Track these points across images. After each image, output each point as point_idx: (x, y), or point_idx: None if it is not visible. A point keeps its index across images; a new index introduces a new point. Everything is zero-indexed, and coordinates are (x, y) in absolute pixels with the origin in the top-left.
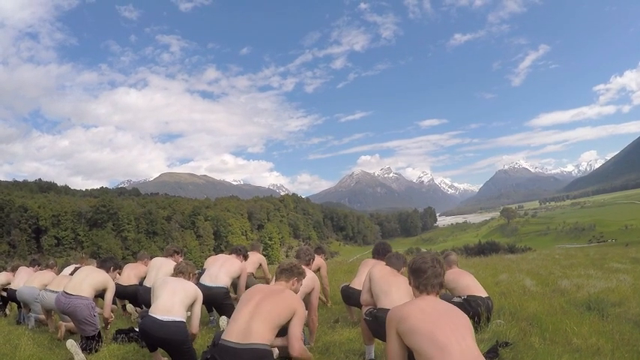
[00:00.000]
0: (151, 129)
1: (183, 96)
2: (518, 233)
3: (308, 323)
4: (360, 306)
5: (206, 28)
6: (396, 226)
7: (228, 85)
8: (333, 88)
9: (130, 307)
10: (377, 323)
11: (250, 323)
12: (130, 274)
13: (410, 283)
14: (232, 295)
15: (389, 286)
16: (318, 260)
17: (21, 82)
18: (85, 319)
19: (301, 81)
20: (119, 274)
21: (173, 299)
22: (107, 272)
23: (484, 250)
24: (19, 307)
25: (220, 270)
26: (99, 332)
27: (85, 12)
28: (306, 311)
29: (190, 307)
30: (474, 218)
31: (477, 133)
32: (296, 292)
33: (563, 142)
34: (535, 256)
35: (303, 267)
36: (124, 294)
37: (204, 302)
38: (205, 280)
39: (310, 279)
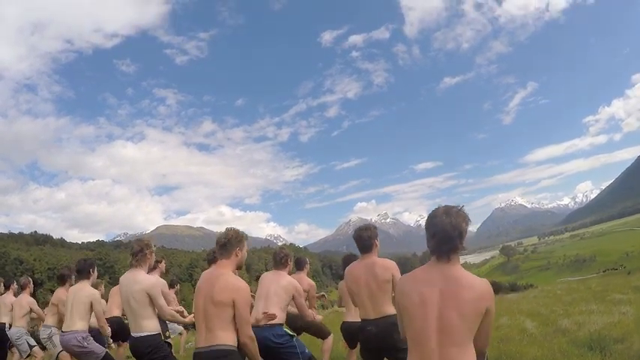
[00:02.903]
0: (148, 182)
1: (180, 149)
2: (519, 270)
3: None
4: None
5: (201, 81)
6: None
7: (224, 137)
8: (328, 137)
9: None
10: None
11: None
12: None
13: None
14: None
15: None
16: (304, 279)
17: (19, 135)
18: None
19: (296, 130)
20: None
21: None
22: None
23: None
24: None
25: None
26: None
27: (82, 65)
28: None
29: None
30: (473, 258)
31: (471, 174)
32: (241, 262)
33: (558, 176)
34: (536, 293)
35: (281, 271)
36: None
37: None
38: None
39: (290, 283)
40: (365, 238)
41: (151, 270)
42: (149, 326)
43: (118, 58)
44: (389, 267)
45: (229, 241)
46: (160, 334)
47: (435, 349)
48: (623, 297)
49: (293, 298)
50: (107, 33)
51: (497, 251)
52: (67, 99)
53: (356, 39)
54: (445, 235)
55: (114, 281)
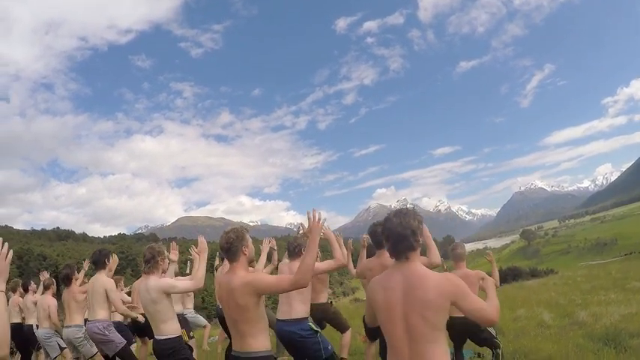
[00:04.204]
0: (168, 174)
1: (199, 141)
2: (539, 255)
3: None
4: None
5: (217, 72)
6: None
7: (242, 127)
8: (346, 124)
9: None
10: None
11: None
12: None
13: None
14: None
15: None
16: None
17: (38, 134)
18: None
19: (314, 118)
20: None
21: None
22: None
23: (506, 277)
24: None
25: None
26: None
27: (97, 62)
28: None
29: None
30: (493, 243)
31: (490, 158)
32: (250, 258)
33: (578, 158)
34: (556, 280)
35: (296, 261)
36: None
37: None
38: None
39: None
40: (379, 233)
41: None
42: (169, 329)
43: (133, 54)
44: None
45: (233, 244)
46: (180, 336)
47: (405, 349)
48: None
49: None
50: (121, 29)
51: (518, 235)
52: (84, 96)
53: (370, 25)
54: (398, 235)
55: (136, 273)
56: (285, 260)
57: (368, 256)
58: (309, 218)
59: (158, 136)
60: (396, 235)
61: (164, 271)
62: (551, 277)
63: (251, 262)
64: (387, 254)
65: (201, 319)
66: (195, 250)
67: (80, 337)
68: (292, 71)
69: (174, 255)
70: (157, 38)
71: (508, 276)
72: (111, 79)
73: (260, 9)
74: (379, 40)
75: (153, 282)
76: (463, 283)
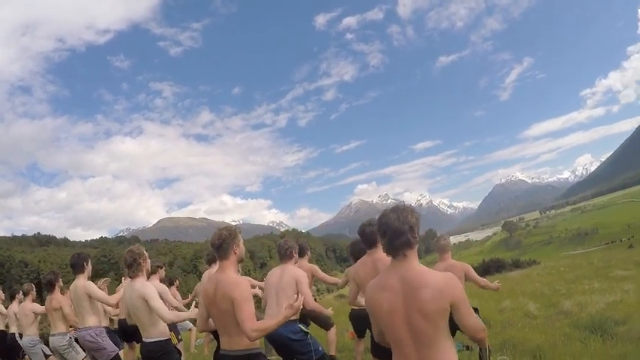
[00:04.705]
0: (148, 175)
1: (179, 141)
2: (521, 246)
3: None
4: None
5: (197, 71)
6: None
7: (222, 126)
8: (326, 120)
9: None
10: None
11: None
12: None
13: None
14: None
15: None
16: (304, 265)
17: (17, 137)
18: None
19: (294, 116)
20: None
21: None
22: None
23: (489, 268)
24: None
25: None
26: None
27: (75, 63)
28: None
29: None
30: (475, 235)
31: (471, 151)
32: (241, 257)
33: (557, 150)
34: (540, 270)
35: (286, 264)
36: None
37: None
38: None
39: (291, 275)
40: (368, 233)
41: (150, 275)
42: (158, 332)
43: (112, 54)
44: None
45: (224, 242)
46: (169, 339)
47: (412, 352)
48: (625, 273)
49: (298, 286)
50: (99, 29)
51: (499, 227)
52: (63, 98)
53: (350, 21)
54: (395, 230)
55: (119, 277)
56: (274, 269)
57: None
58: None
59: (138, 137)
60: (393, 230)
61: (148, 271)
62: (534, 267)
63: (240, 261)
64: (379, 252)
65: (187, 322)
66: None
67: (65, 345)
68: (272, 68)
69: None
70: (136, 38)
71: (491, 268)
72: (89, 80)
73: (239, 6)
74: (359, 36)
75: (139, 285)
76: (461, 288)
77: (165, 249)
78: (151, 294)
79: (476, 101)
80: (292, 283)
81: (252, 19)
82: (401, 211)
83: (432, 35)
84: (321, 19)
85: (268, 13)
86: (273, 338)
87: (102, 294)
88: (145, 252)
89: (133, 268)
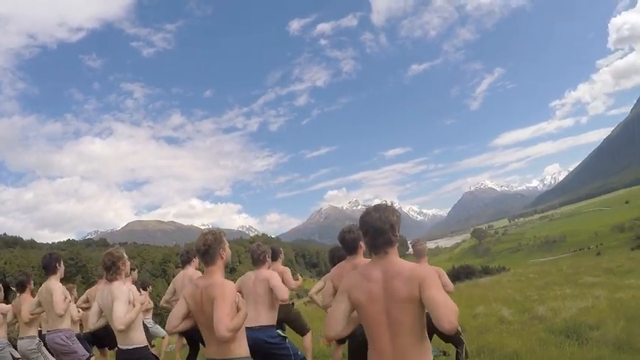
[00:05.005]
0: (117, 177)
1: (149, 143)
2: (490, 253)
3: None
4: None
5: (169, 73)
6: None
7: (193, 129)
8: (297, 126)
9: None
10: None
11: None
12: None
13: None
14: None
15: None
16: (277, 268)
17: None
18: None
19: (265, 120)
20: None
21: None
22: None
23: (459, 275)
24: None
25: None
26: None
27: (46, 60)
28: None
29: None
30: (445, 242)
31: (441, 159)
32: (227, 261)
33: (526, 159)
34: (510, 277)
35: (260, 269)
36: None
37: None
38: None
39: (265, 279)
40: (349, 240)
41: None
42: (136, 338)
43: (84, 53)
44: None
45: (210, 247)
46: (147, 346)
47: (388, 344)
48: (595, 280)
49: (270, 282)
50: (72, 27)
51: (469, 234)
52: (32, 96)
53: (324, 27)
54: (376, 229)
55: (86, 280)
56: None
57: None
58: None
59: (108, 138)
60: (374, 229)
61: (127, 275)
62: (504, 274)
63: (227, 266)
64: (359, 258)
65: (161, 330)
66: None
67: (34, 349)
68: (245, 72)
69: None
70: (109, 37)
71: (461, 274)
72: (60, 78)
73: (214, 9)
74: (332, 42)
75: (115, 288)
76: (434, 274)
77: (134, 252)
78: (118, 295)
79: (447, 110)
80: (266, 286)
81: (226, 22)
82: (383, 210)
83: (405, 43)
84: (295, 25)
85: (243, 17)
86: (250, 343)
87: (58, 300)
88: (124, 255)
89: (111, 271)
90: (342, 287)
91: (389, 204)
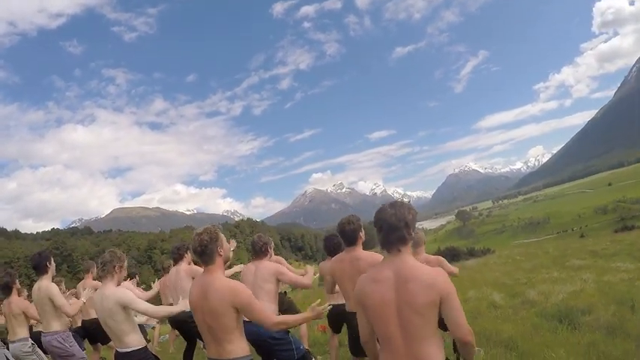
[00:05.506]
0: (100, 164)
1: (132, 129)
2: (475, 234)
3: None
4: None
5: (151, 58)
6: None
7: (176, 114)
8: (281, 109)
9: None
10: None
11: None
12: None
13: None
14: None
15: None
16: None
17: None
18: None
19: (249, 104)
20: None
21: None
22: None
23: (445, 257)
24: None
25: None
26: None
27: (26, 48)
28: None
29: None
30: (429, 224)
31: (425, 141)
32: (227, 258)
33: (510, 141)
34: (496, 259)
35: (261, 260)
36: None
37: None
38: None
39: (269, 271)
40: (349, 231)
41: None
42: (133, 341)
43: (64, 39)
44: (372, 263)
45: (207, 247)
46: (145, 347)
47: (401, 346)
48: (582, 262)
49: (279, 280)
50: (51, 13)
51: (453, 216)
52: (13, 84)
53: (307, 9)
54: (391, 226)
55: (72, 269)
56: (249, 266)
57: (329, 255)
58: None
59: (90, 125)
60: (388, 225)
61: (119, 283)
62: (490, 256)
63: (226, 262)
64: (358, 250)
65: (151, 320)
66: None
67: (29, 352)
68: (228, 56)
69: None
70: (89, 22)
71: (447, 256)
72: (41, 66)
73: None
74: (316, 25)
75: (110, 292)
76: (452, 287)
77: (119, 240)
78: (131, 298)
79: (431, 92)
80: (270, 279)
81: (209, 5)
82: (398, 207)
83: (389, 26)
84: (278, 7)
85: (226, 0)
86: (253, 338)
87: (63, 301)
88: (125, 259)
89: (104, 267)
90: (355, 297)
91: (405, 201)
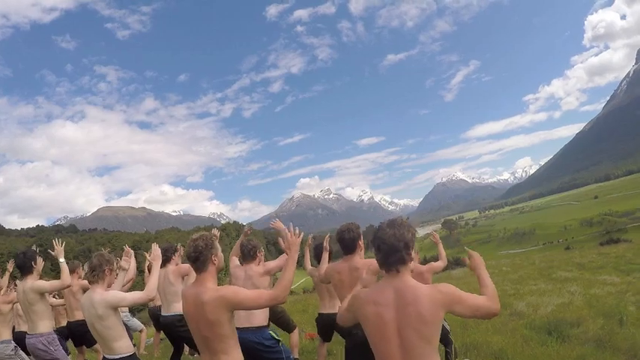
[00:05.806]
0: (88, 162)
1: (122, 127)
2: (460, 244)
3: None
4: None
5: (143, 56)
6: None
7: (166, 114)
8: (271, 112)
9: None
10: None
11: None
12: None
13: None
14: None
15: None
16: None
17: None
18: None
19: (239, 106)
20: None
21: None
22: None
23: None
24: None
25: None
26: None
27: (19, 41)
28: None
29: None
30: None
31: (414, 149)
32: (220, 266)
33: (498, 151)
34: None
35: (250, 265)
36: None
37: None
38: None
39: (261, 276)
40: (348, 240)
41: None
42: (122, 347)
43: (57, 34)
44: (372, 271)
45: (201, 253)
46: (134, 354)
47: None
48: (568, 274)
49: (269, 275)
50: (45, 7)
51: (439, 225)
52: (4, 77)
53: (301, 13)
54: (390, 247)
55: (55, 267)
56: (237, 270)
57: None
58: (287, 233)
59: (80, 122)
60: (387, 246)
61: (109, 285)
62: None
63: (220, 271)
64: (356, 258)
65: (137, 323)
66: (149, 257)
67: (11, 354)
68: (220, 57)
69: (125, 262)
70: (83, 18)
71: None
72: (33, 60)
73: None
74: (309, 29)
75: (98, 296)
76: (453, 288)
77: (104, 239)
78: (120, 296)
79: (421, 100)
80: (261, 283)
81: (203, 5)
82: (398, 226)
83: (382, 33)
84: (272, 10)
85: (220, 1)
86: (242, 344)
87: (55, 282)
88: (114, 261)
89: (94, 272)
90: (353, 314)
91: (404, 220)
